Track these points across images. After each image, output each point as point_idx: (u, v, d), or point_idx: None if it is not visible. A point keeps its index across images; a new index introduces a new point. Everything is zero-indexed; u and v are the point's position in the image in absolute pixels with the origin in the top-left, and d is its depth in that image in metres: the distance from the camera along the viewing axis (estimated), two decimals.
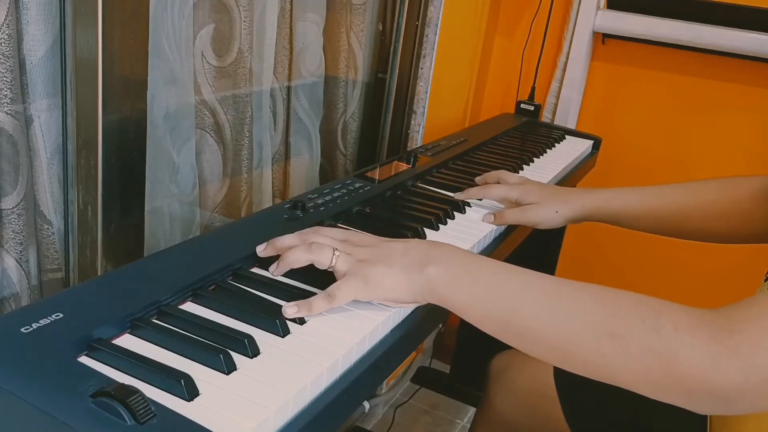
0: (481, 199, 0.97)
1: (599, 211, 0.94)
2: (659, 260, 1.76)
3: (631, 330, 0.54)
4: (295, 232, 0.70)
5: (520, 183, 0.96)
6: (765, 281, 0.74)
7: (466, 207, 0.94)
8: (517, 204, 0.93)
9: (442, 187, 1.01)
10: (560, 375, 0.95)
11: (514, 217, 0.91)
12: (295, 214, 0.78)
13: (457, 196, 0.96)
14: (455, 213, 0.91)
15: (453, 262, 0.63)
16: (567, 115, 1.74)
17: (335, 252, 0.63)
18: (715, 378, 0.51)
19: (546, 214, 0.92)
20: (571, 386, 0.94)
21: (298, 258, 0.64)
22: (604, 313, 0.56)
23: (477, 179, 1.01)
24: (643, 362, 0.53)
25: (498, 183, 0.97)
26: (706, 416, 0.85)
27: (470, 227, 0.88)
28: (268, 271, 0.67)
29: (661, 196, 0.94)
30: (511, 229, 0.94)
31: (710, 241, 0.93)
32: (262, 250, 0.68)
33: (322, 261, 0.63)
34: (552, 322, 0.58)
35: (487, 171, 1.11)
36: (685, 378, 0.52)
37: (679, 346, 0.52)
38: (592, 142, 1.51)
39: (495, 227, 0.90)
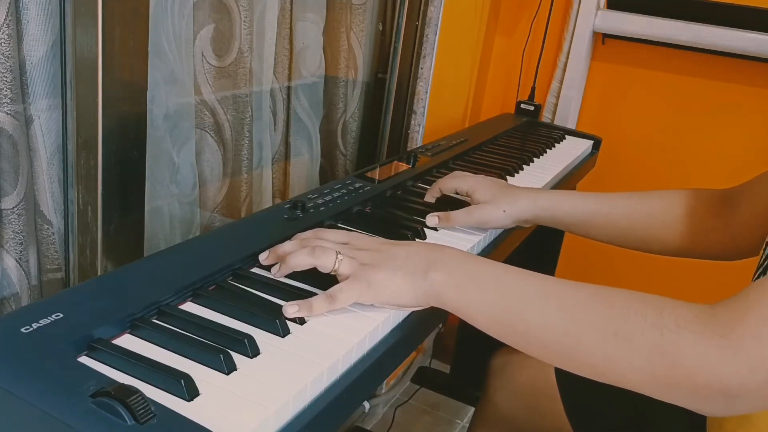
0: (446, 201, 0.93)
1: (548, 212, 0.90)
2: (659, 260, 1.76)
3: (634, 329, 0.54)
4: (296, 236, 0.70)
5: (472, 177, 0.93)
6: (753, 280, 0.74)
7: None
8: (468, 196, 0.90)
9: None
10: (562, 371, 0.95)
11: (461, 218, 0.86)
12: (295, 214, 0.78)
13: (426, 198, 0.94)
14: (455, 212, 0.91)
15: (457, 267, 0.63)
16: (567, 115, 1.74)
17: (338, 256, 0.63)
18: (721, 372, 0.51)
19: (493, 213, 0.87)
20: (573, 383, 0.94)
21: (300, 262, 0.64)
22: (607, 314, 0.56)
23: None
24: (648, 361, 0.53)
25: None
26: (704, 417, 0.85)
27: (470, 228, 0.88)
28: (268, 271, 0.67)
29: (612, 203, 0.91)
30: (510, 230, 0.94)
31: (661, 253, 0.91)
32: (264, 259, 0.68)
33: (325, 265, 0.63)
34: (557, 325, 0.58)
35: (487, 171, 1.11)
36: (690, 375, 0.52)
37: (682, 342, 0.52)
38: (592, 142, 1.51)
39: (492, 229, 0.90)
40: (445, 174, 1.08)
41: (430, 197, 0.95)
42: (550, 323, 0.58)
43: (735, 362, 0.50)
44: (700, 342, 0.52)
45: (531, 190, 0.93)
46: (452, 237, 0.84)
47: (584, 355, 0.57)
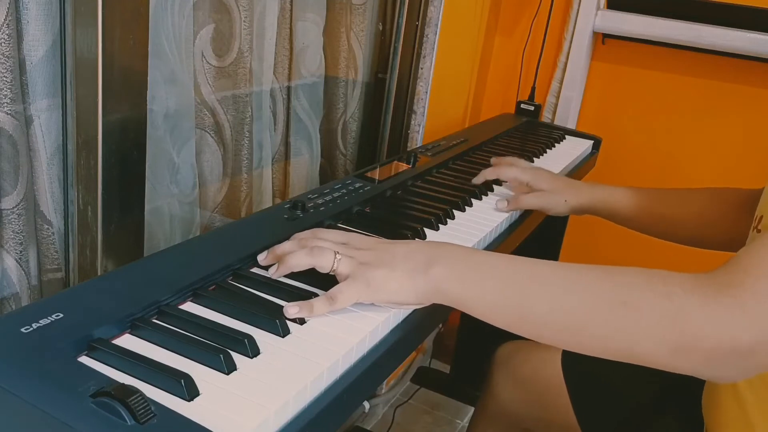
0: (499, 184, 1.04)
1: (602, 204, 1.00)
2: (658, 253, 1.76)
3: (641, 298, 0.55)
4: (294, 236, 0.70)
5: (532, 168, 1.03)
6: None
7: (466, 206, 0.94)
8: (528, 188, 0.99)
9: (442, 187, 1.01)
10: (569, 364, 0.95)
11: (529, 201, 0.96)
12: (295, 214, 0.78)
13: (475, 180, 1.02)
14: (455, 212, 0.91)
15: (457, 260, 0.63)
16: (567, 115, 1.74)
17: (336, 255, 0.63)
18: (730, 330, 0.52)
19: (556, 201, 0.98)
20: (581, 375, 0.94)
21: (299, 262, 0.64)
22: (613, 287, 0.57)
23: (492, 160, 1.07)
24: (659, 329, 0.54)
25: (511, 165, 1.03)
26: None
27: (469, 228, 0.88)
28: (268, 271, 0.67)
29: (665, 201, 0.98)
30: (510, 230, 0.94)
31: (701, 246, 0.97)
32: (263, 259, 0.68)
33: (324, 265, 0.63)
34: (564, 303, 0.58)
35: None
36: (701, 337, 0.53)
37: (690, 306, 0.53)
38: (592, 142, 1.51)
39: (492, 228, 0.90)
40: (446, 174, 1.08)
41: (481, 179, 1.01)
42: (557, 303, 0.58)
43: (742, 319, 0.52)
44: (707, 304, 0.53)
45: (589, 184, 1.03)
46: (451, 237, 0.84)
47: (594, 331, 0.57)
